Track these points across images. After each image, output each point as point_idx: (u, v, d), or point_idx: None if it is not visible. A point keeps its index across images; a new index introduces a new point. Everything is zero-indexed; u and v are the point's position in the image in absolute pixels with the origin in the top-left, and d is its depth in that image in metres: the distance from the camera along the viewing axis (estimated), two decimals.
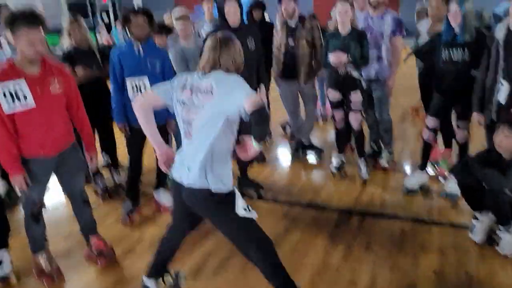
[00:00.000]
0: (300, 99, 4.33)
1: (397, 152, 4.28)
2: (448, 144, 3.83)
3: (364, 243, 2.92)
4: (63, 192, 2.83)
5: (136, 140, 3.28)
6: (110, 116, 3.47)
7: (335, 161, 4.00)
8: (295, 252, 2.86)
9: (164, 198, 3.53)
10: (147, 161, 3.59)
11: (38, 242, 2.73)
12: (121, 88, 3.19)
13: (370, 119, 4.09)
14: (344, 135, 3.99)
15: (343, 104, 3.76)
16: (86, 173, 3.98)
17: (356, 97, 3.63)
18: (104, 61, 3.61)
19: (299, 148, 4.46)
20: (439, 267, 2.61)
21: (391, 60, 3.81)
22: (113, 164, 4.02)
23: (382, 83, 3.85)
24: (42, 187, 2.60)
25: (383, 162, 4.03)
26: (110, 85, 3.25)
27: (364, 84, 3.65)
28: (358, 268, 2.66)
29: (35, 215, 2.63)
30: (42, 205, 2.68)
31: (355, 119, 3.71)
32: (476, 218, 2.82)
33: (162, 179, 3.58)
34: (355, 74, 3.57)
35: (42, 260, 2.72)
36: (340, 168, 3.97)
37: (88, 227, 2.90)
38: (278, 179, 4.11)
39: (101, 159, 3.80)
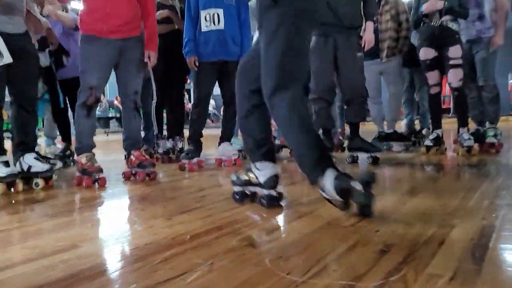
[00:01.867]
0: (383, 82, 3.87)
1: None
2: None
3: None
4: (118, 95, 2.58)
5: (206, 77, 3.02)
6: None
7: (430, 136, 3.37)
8: None
9: (227, 151, 3.11)
10: None
11: (84, 141, 2.45)
12: (195, 21, 3.03)
13: (472, 93, 3.49)
14: (440, 102, 3.39)
15: (438, 64, 3.26)
16: (148, 137, 3.77)
17: (455, 51, 3.13)
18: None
19: (382, 139, 3.87)
20: None
21: (496, 17, 3.33)
22: (179, 132, 3.75)
23: (486, 42, 3.33)
24: (101, 72, 2.42)
25: (491, 138, 3.31)
26: (185, 19, 3.11)
27: (463, 40, 3.18)
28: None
29: (88, 106, 2.40)
30: (98, 98, 2.44)
31: (454, 76, 3.14)
32: None
33: (226, 134, 3.21)
34: (453, 26, 3.13)
35: (84, 159, 2.39)
36: (437, 143, 3.31)
37: (132, 141, 2.60)
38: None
39: None
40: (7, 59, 2.14)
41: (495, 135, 3.30)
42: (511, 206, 1.49)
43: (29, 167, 2.34)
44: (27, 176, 2.34)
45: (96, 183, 2.37)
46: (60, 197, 2.13)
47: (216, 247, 1.16)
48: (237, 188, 1.75)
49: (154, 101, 3.66)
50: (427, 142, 3.34)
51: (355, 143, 2.93)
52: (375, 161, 2.84)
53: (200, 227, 1.38)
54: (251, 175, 1.68)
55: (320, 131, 3.06)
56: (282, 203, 1.65)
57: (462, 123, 3.23)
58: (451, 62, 3.15)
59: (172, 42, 3.38)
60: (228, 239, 1.23)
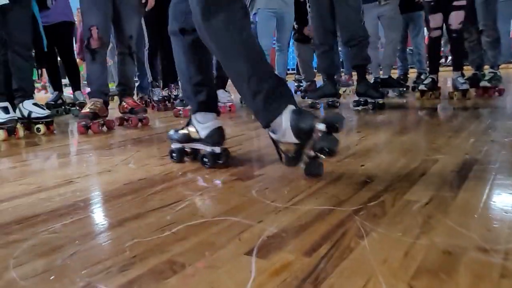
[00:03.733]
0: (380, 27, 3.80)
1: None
2: None
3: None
4: (113, 39, 2.56)
5: None
6: None
7: (425, 80, 3.36)
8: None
9: (222, 97, 3.11)
10: None
11: (92, 86, 2.48)
12: None
13: (472, 37, 3.43)
14: (439, 47, 3.36)
15: (442, 6, 3.17)
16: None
17: None
18: None
19: (377, 85, 3.85)
20: None
21: None
22: (173, 80, 3.73)
23: None
24: (99, 11, 2.39)
25: (484, 83, 3.29)
26: None
27: None
28: None
29: (92, 49, 2.39)
30: (103, 42, 2.41)
31: (456, 18, 3.07)
32: None
33: (221, 81, 3.20)
34: None
35: (88, 105, 2.43)
36: (431, 88, 3.30)
37: (124, 87, 2.62)
38: None
39: None
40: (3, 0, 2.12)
41: (490, 80, 3.29)
42: (495, 142, 1.52)
43: (29, 112, 2.38)
44: (28, 122, 2.38)
45: (104, 127, 2.43)
46: (60, 141, 2.18)
47: (206, 182, 1.20)
48: (174, 146, 1.49)
49: (147, 48, 3.62)
50: (422, 87, 3.33)
51: (360, 87, 2.87)
52: (381, 107, 2.76)
53: (192, 165, 1.43)
54: (191, 129, 1.43)
55: (324, 77, 3.09)
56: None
57: (456, 66, 3.21)
58: (455, 3, 3.07)
59: None
60: (219, 174, 1.28)
